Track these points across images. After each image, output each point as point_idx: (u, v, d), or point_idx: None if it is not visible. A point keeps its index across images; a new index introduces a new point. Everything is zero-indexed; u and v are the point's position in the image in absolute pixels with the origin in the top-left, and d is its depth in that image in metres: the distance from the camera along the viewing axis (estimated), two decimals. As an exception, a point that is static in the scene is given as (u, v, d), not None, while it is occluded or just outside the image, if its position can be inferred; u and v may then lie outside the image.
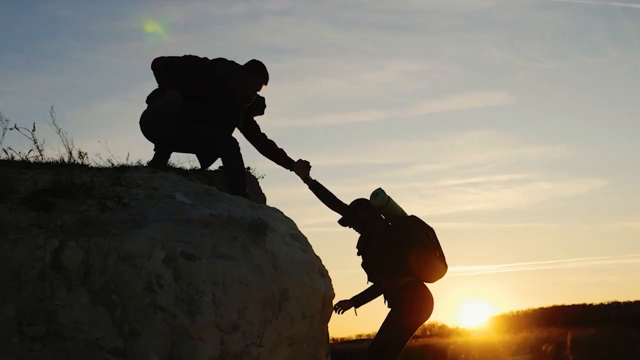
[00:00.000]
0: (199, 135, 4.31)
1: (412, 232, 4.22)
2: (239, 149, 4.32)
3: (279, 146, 4.70)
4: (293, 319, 3.46)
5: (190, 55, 4.40)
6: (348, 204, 4.51)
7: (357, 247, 4.40)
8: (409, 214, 4.42)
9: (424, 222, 4.33)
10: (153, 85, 4.40)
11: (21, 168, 3.79)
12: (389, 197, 4.31)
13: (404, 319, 4.16)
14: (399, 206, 4.38)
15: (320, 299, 3.65)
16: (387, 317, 4.24)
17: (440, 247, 4.30)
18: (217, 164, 5.04)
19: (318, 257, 3.89)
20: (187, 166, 4.76)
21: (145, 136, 4.36)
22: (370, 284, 4.40)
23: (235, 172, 4.28)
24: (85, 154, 4.10)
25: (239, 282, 3.27)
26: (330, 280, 3.90)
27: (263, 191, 5.37)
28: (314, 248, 3.90)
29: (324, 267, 3.90)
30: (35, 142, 3.90)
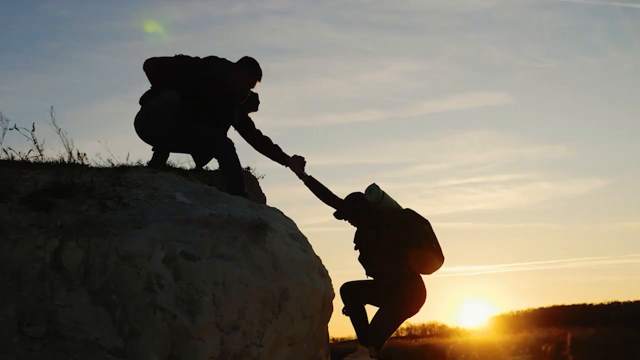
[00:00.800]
0: (195, 135, 4.31)
1: (408, 226, 4.27)
2: (234, 149, 4.32)
3: (274, 144, 4.71)
4: (293, 319, 3.46)
5: (182, 55, 4.39)
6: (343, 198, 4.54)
7: (354, 241, 4.45)
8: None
9: (419, 215, 4.37)
10: (149, 86, 4.41)
11: (21, 168, 3.79)
12: (383, 192, 4.35)
13: (396, 309, 4.22)
14: (393, 200, 4.42)
15: (320, 299, 3.65)
16: (381, 306, 4.28)
17: (436, 239, 4.35)
18: (217, 163, 5.04)
19: (318, 257, 3.89)
20: (187, 166, 4.76)
21: (141, 137, 4.35)
22: (369, 278, 4.41)
23: (232, 172, 4.28)
24: (84, 154, 4.10)
25: (239, 282, 3.27)
26: (330, 280, 3.90)
27: (263, 191, 5.37)
28: (314, 248, 3.91)
29: (324, 267, 3.91)
30: (35, 142, 3.90)
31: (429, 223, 4.38)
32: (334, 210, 4.53)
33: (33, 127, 3.86)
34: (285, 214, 4.07)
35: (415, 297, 4.27)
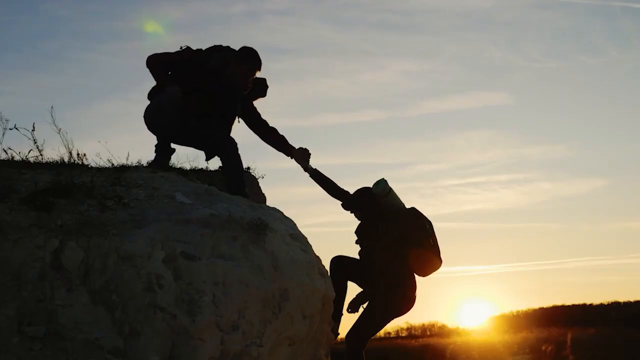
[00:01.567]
0: (199, 131, 4.32)
1: (411, 224, 4.30)
2: (237, 148, 4.33)
3: (280, 134, 4.70)
4: (293, 319, 3.46)
5: (184, 49, 4.40)
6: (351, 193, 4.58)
7: (356, 233, 4.48)
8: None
9: (423, 215, 4.39)
10: (152, 83, 4.41)
11: (21, 168, 3.79)
12: (390, 187, 4.37)
13: (386, 307, 4.27)
14: (399, 198, 4.44)
15: (320, 299, 3.65)
16: (371, 302, 4.32)
17: (436, 240, 4.38)
18: (218, 163, 5.03)
19: (318, 257, 3.89)
20: (187, 166, 4.76)
21: (150, 131, 4.37)
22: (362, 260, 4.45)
23: (233, 172, 4.28)
24: (84, 154, 4.11)
25: (239, 282, 3.27)
26: (331, 280, 3.90)
27: (263, 191, 5.38)
28: (314, 248, 3.91)
29: (324, 267, 3.91)
30: (35, 142, 3.91)
31: (431, 223, 4.40)
32: (340, 203, 4.56)
33: (33, 127, 3.87)
34: (285, 214, 4.07)
35: (407, 297, 4.30)
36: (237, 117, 4.56)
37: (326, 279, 3.82)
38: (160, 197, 3.65)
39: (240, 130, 4.56)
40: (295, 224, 3.98)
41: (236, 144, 4.34)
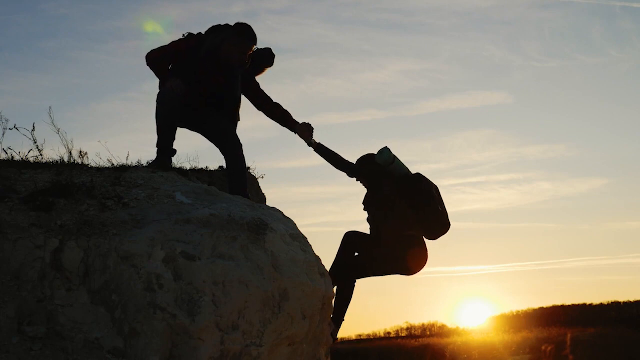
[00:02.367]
0: (208, 125, 4.35)
1: (417, 189, 4.32)
2: (242, 150, 4.35)
3: (284, 109, 4.70)
4: (293, 319, 3.46)
5: (179, 40, 4.39)
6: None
7: (364, 202, 4.51)
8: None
9: (429, 180, 4.42)
10: (153, 82, 4.43)
11: (21, 168, 3.79)
12: (394, 156, 4.39)
13: (390, 259, 4.31)
14: (404, 165, 4.47)
15: (320, 299, 3.65)
16: (378, 254, 4.36)
17: (443, 204, 4.41)
18: (217, 163, 5.03)
19: (318, 257, 3.89)
20: (187, 166, 4.77)
21: (160, 127, 4.35)
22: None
23: (237, 174, 4.30)
24: (86, 153, 4.11)
25: (239, 282, 3.27)
26: (330, 280, 3.90)
27: (263, 191, 5.38)
28: (314, 248, 3.91)
29: (324, 267, 3.91)
30: (35, 142, 3.91)
31: (437, 188, 4.43)
32: (345, 175, 4.59)
33: (33, 127, 3.87)
34: (285, 214, 4.07)
35: (417, 258, 4.33)
36: (239, 105, 4.54)
37: (326, 279, 3.82)
38: (160, 197, 3.65)
39: (240, 131, 4.57)
40: (295, 224, 3.98)
41: (241, 145, 4.36)
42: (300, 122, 4.64)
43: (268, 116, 4.68)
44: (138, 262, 3.15)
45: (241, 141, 4.43)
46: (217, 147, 4.42)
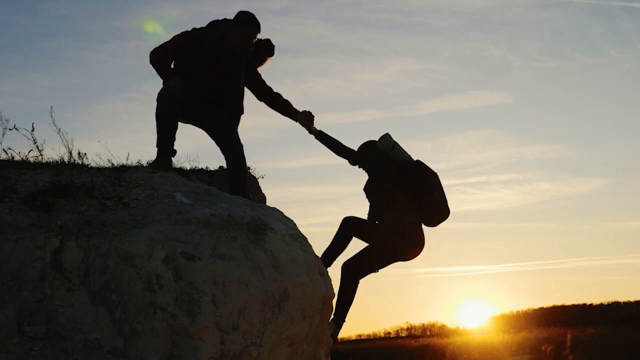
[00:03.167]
0: (209, 121, 4.34)
1: (417, 176, 4.35)
2: (243, 151, 4.35)
3: (285, 99, 4.71)
4: (293, 319, 3.45)
5: (178, 35, 4.39)
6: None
7: (364, 189, 4.53)
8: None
9: (429, 167, 4.44)
10: (154, 82, 4.43)
11: (21, 168, 3.79)
12: (395, 142, 4.42)
13: (389, 248, 4.34)
14: (405, 151, 4.49)
15: (320, 299, 3.65)
16: (376, 241, 4.39)
17: (443, 191, 4.43)
18: (217, 163, 5.03)
19: (318, 257, 3.89)
20: (187, 166, 4.77)
21: (159, 125, 4.36)
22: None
23: (238, 174, 4.30)
24: (85, 154, 4.10)
25: (239, 282, 3.27)
26: (330, 280, 3.90)
27: (263, 191, 5.38)
28: (314, 248, 3.91)
29: (324, 267, 3.91)
30: (35, 142, 3.91)
31: (437, 176, 4.45)
32: (347, 162, 4.61)
33: (33, 127, 3.86)
34: (285, 214, 4.07)
35: (415, 243, 4.37)
36: (242, 97, 4.54)
37: (326, 279, 3.82)
38: (160, 197, 3.65)
39: (240, 131, 4.57)
40: (295, 224, 3.98)
41: (242, 144, 4.36)
42: (301, 111, 4.67)
43: (269, 106, 4.70)
44: (138, 262, 3.15)
45: (241, 141, 4.43)
46: (218, 146, 4.42)
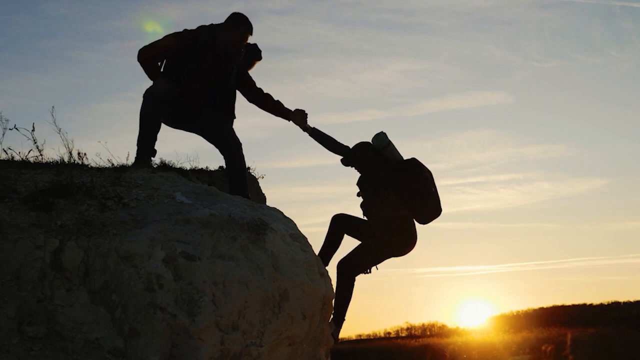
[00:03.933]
0: (203, 122, 4.34)
1: (410, 173, 4.37)
2: (242, 150, 4.34)
3: (276, 100, 4.72)
4: (293, 319, 3.46)
5: (171, 35, 4.39)
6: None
7: (358, 184, 4.54)
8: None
9: (423, 165, 4.46)
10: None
11: (21, 168, 3.79)
12: (389, 140, 4.44)
13: (384, 244, 4.34)
14: (398, 152, 4.51)
15: (320, 299, 3.65)
16: (369, 239, 4.40)
17: (436, 189, 4.45)
18: (217, 163, 5.03)
19: (318, 257, 3.89)
20: (187, 166, 4.76)
21: (142, 125, 4.36)
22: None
23: (238, 174, 4.30)
24: (85, 154, 4.10)
25: (239, 282, 3.27)
26: (330, 280, 3.91)
27: (263, 191, 5.38)
28: (314, 248, 3.91)
29: (324, 267, 3.91)
30: (35, 142, 3.91)
31: (431, 173, 4.47)
32: (341, 159, 4.62)
33: (33, 127, 3.86)
34: (285, 214, 4.07)
35: (406, 238, 4.37)
36: (234, 98, 4.53)
37: (326, 279, 3.82)
38: (160, 197, 3.65)
39: (239, 131, 4.57)
40: (295, 224, 3.98)
41: (240, 143, 4.35)
42: (293, 109, 4.67)
43: (261, 107, 4.70)
44: (138, 262, 3.15)
45: (242, 141, 4.43)
46: (216, 147, 4.41)
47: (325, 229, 4.53)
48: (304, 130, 4.66)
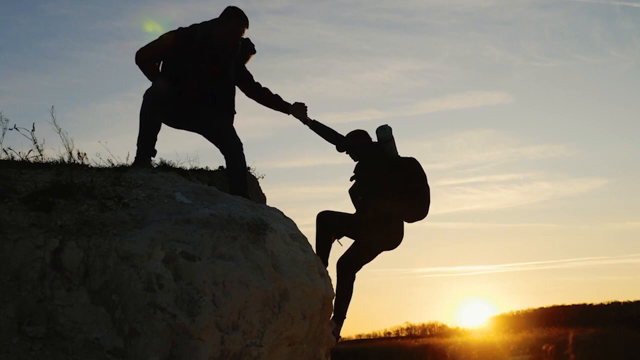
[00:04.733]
0: (201, 126, 4.33)
1: (406, 171, 4.39)
2: (242, 150, 4.34)
3: (274, 94, 4.71)
4: (293, 319, 3.46)
5: (167, 34, 4.38)
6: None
7: (354, 172, 4.55)
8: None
9: (420, 166, 4.48)
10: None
11: (21, 168, 3.79)
12: (392, 136, 4.46)
13: (376, 240, 4.38)
14: (396, 149, 4.54)
15: (320, 299, 3.65)
16: (366, 237, 4.42)
17: (429, 192, 4.47)
18: (217, 163, 5.02)
19: (318, 257, 3.89)
20: (187, 166, 4.76)
21: (142, 124, 4.36)
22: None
23: (238, 174, 4.29)
24: (85, 154, 4.11)
25: (239, 282, 3.27)
26: (330, 280, 3.91)
27: (263, 191, 5.38)
28: (314, 248, 3.91)
29: (324, 267, 3.91)
30: (35, 142, 3.90)
31: (424, 175, 4.48)
32: (336, 145, 4.64)
33: (33, 127, 3.86)
34: (285, 214, 4.07)
35: (397, 233, 4.41)
36: (234, 93, 4.53)
37: (326, 279, 3.82)
38: (160, 197, 3.65)
39: (240, 131, 4.57)
40: (295, 224, 3.98)
41: (241, 143, 4.35)
42: (292, 103, 4.67)
43: (259, 102, 4.69)
44: (138, 262, 3.15)
45: (242, 141, 4.43)
46: (216, 146, 4.41)
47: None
48: (304, 123, 4.66)
